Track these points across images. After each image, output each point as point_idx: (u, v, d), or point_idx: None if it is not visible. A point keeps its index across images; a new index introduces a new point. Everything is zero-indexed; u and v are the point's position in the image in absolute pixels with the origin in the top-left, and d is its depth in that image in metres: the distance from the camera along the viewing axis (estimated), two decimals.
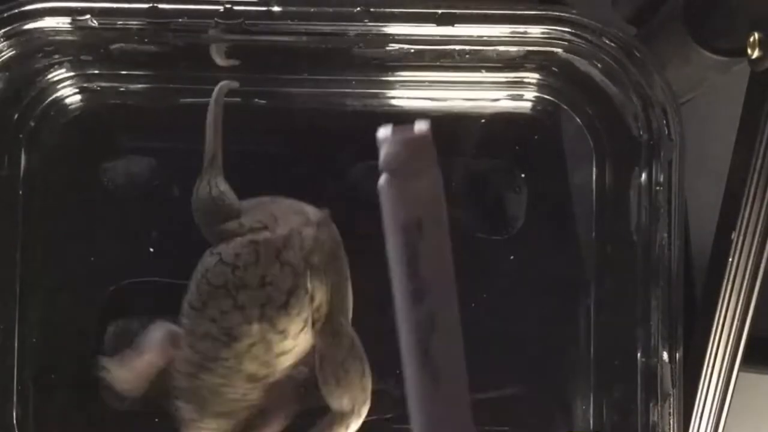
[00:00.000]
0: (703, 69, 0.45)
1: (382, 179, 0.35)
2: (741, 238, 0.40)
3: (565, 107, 0.49)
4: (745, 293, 0.41)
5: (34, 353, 0.48)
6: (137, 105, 0.47)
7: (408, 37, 0.43)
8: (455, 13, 0.42)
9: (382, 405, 0.48)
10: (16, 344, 0.47)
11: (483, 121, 0.49)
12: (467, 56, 0.46)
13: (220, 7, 0.42)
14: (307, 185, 0.45)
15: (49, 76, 0.47)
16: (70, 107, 0.48)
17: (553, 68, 0.47)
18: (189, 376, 0.41)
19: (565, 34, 0.43)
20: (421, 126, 0.35)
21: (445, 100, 0.49)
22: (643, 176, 0.45)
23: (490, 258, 0.48)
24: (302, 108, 0.47)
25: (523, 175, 0.49)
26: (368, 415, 0.47)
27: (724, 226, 0.41)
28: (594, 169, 0.49)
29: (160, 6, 0.41)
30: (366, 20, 0.42)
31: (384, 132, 0.35)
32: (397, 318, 0.34)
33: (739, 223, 0.40)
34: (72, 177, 0.48)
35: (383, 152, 0.34)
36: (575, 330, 0.48)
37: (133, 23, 0.42)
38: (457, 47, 0.44)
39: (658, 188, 0.44)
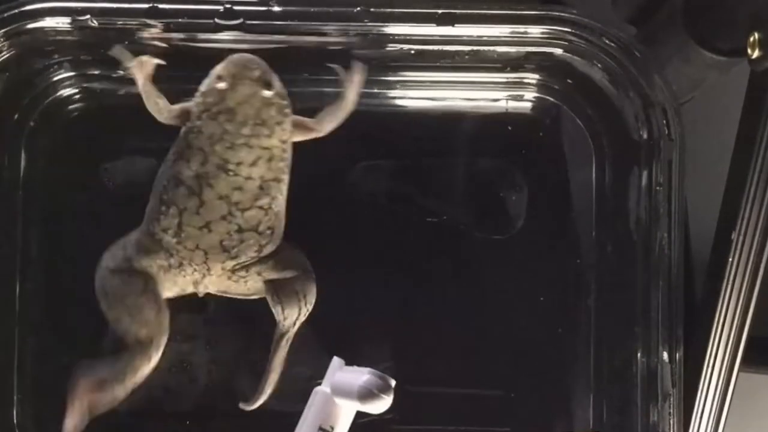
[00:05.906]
0: (703, 69, 0.45)
1: None
2: (741, 238, 0.40)
3: (565, 107, 0.49)
4: (745, 293, 0.41)
5: (34, 353, 0.48)
6: (137, 105, 0.47)
7: (408, 37, 0.43)
8: (455, 13, 0.42)
9: None
10: (15, 344, 0.48)
11: (483, 121, 0.49)
12: (467, 56, 0.46)
13: (220, 7, 0.42)
14: (307, 185, 0.45)
15: (49, 76, 0.47)
16: (70, 107, 0.48)
17: (554, 69, 0.47)
18: None
19: (565, 35, 0.43)
20: None
21: (445, 100, 0.49)
22: (643, 176, 0.45)
23: (490, 258, 0.48)
24: (303, 108, 0.47)
25: (523, 175, 0.49)
26: (368, 415, 0.48)
27: (724, 226, 0.41)
28: (594, 169, 0.49)
29: (160, 6, 0.41)
30: (366, 20, 0.42)
31: None
32: None
33: (739, 223, 0.40)
34: (72, 177, 0.48)
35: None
36: (575, 330, 0.48)
37: (133, 23, 0.42)
38: (457, 47, 0.44)
39: (658, 188, 0.44)
